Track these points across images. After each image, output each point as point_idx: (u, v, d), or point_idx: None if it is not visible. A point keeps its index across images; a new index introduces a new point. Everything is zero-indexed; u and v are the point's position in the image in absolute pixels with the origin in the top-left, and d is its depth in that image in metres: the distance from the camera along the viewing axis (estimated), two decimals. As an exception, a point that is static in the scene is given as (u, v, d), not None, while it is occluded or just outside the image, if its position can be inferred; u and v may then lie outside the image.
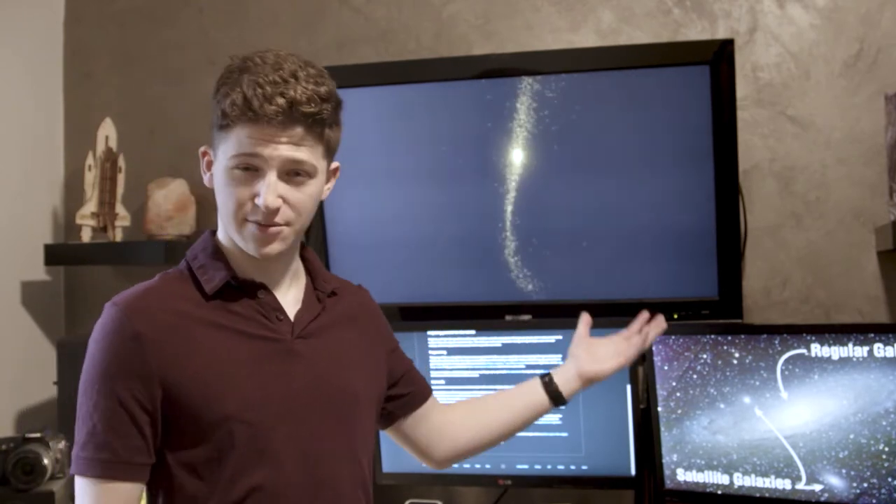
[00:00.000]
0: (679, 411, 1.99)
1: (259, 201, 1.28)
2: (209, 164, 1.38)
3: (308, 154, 1.30)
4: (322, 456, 1.36)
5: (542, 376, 1.65)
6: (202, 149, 1.39)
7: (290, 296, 1.42)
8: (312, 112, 1.28)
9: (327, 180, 1.41)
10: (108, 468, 1.27)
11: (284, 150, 1.28)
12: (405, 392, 1.58)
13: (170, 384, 1.29)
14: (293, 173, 1.30)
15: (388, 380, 1.54)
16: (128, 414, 1.28)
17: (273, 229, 1.31)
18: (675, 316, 2.16)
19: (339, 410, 1.39)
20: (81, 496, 1.30)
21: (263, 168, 1.28)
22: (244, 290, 1.37)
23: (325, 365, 1.39)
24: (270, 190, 1.27)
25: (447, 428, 1.63)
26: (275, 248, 1.33)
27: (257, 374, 1.33)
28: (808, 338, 1.86)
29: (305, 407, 1.36)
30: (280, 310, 1.38)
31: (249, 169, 1.29)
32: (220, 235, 1.41)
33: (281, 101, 1.25)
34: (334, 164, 1.43)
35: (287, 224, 1.32)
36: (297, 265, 1.46)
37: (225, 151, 1.30)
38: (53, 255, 2.47)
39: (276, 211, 1.29)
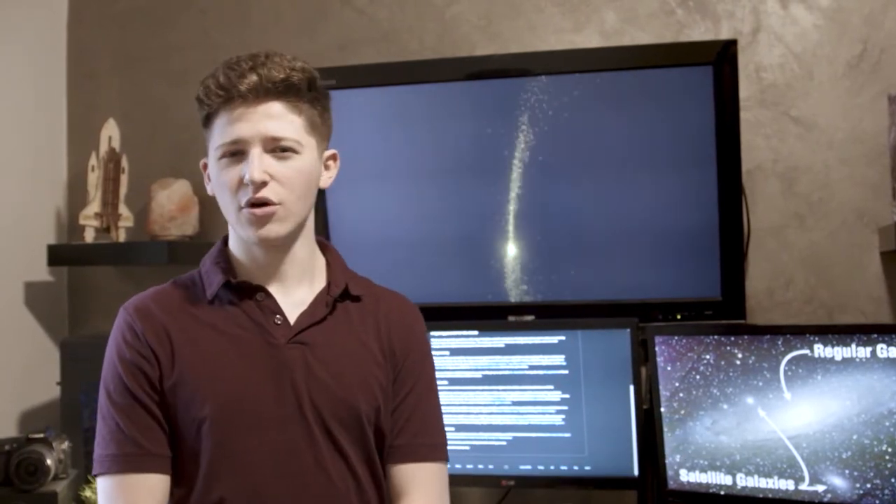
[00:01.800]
0: (682, 412, 1.99)
1: (246, 178, 1.28)
2: (209, 176, 1.39)
3: (288, 128, 1.31)
4: (305, 468, 1.32)
5: None
6: (202, 161, 1.41)
7: (297, 297, 1.38)
8: (282, 79, 1.30)
9: (325, 167, 1.41)
10: (134, 462, 1.29)
11: (262, 126, 1.29)
12: (388, 442, 1.41)
13: (165, 384, 1.32)
14: (278, 150, 1.31)
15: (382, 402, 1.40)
16: (144, 408, 1.31)
17: (265, 209, 1.30)
18: (679, 316, 2.17)
19: (331, 422, 1.34)
20: (109, 495, 1.28)
21: (247, 149, 1.29)
22: (244, 292, 1.37)
23: (321, 373, 1.34)
24: (255, 164, 1.28)
25: None
26: (272, 229, 1.31)
27: (243, 377, 1.32)
28: (812, 338, 1.86)
29: (290, 415, 1.32)
30: (279, 312, 1.36)
31: (236, 154, 1.30)
32: (230, 239, 1.42)
33: (253, 76, 1.29)
34: (331, 151, 1.42)
35: (280, 203, 1.30)
36: (313, 266, 1.42)
37: (212, 146, 1.33)
38: (57, 256, 2.47)
39: (263, 185, 1.29)
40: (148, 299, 1.38)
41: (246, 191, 1.29)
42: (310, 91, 1.34)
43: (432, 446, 1.42)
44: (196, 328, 1.34)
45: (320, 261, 1.44)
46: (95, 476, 1.32)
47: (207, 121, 1.33)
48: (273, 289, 1.37)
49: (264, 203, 1.29)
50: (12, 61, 2.52)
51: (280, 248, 1.36)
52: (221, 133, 1.30)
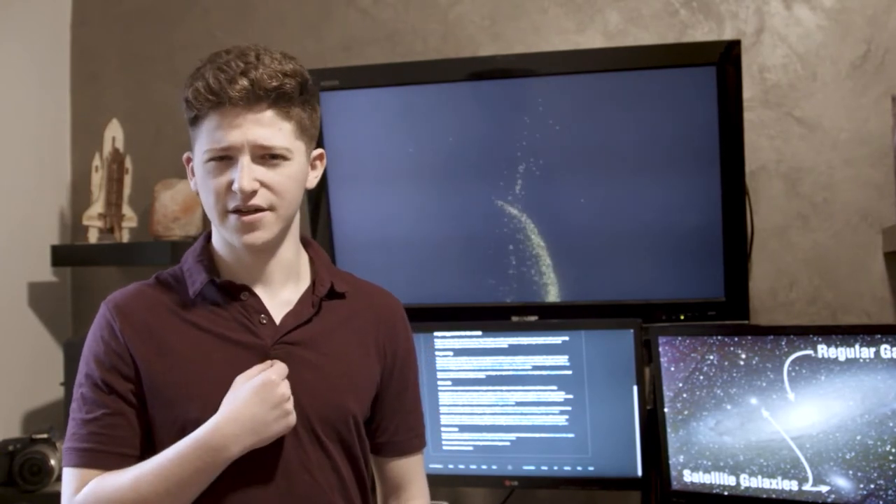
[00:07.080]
0: (686, 412, 1.99)
1: (235, 186, 1.26)
2: (193, 170, 1.36)
3: (279, 136, 1.28)
4: (289, 469, 1.32)
5: None
6: (185, 155, 1.38)
7: (282, 297, 1.37)
8: (275, 87, 1.26)
9: (311, 166, 1.39)
10: (93, 457, 1.29)
11: (253, 134, 1.26)
12: (377, 438, 1.46)
13: (143, 383, 1.31)
14: (268, 157, 1.28)
15: (370, 400, 1.43)
16: (113, 406, 1.30)
17: (254, 216, 1.28)
18: (682, 317, 2.17)
19: (317, 422, 1.34)
20: (67, 486, 1.30)
21: (236, 155, 1.27)
22: (228, 291, 1.35)
23: (307, 374, 1.34)
24: (245, 173, 1.25)
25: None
26: (258, 236, 1.29)
27: (228, 378, 1.30)
28: (815, 339, 1.86)
29: None
30: (264, 312, 1.35)
31: (224, 159, 1.27)
32: (213, 237, 1.40)
33: (244, 81, 1.25)
34: (318, 151, 1.40)
35: (270, 209, 1.29)
36: (299, 264, 1.41)
37: (199, 148, 1.30)
38: (60, 256, 2.48)
39: (253, 194, 1.27)
40: (130, 296, 1.36)
41: (234, 196, 1.27)
42: (301, 95, 1.31)
43: (420, 437, 1.51)
44: (179, 327, 1.33)
45: (304, 259, 1.43)
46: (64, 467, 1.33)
47: (194, 121, 1.30)
48: (258, 289, 1.36)
49: (255, 210, 1.28)
50: (16, 61, 2.52)
51: (266, 250, 1.35)
52: (209, 137, 1.27)
